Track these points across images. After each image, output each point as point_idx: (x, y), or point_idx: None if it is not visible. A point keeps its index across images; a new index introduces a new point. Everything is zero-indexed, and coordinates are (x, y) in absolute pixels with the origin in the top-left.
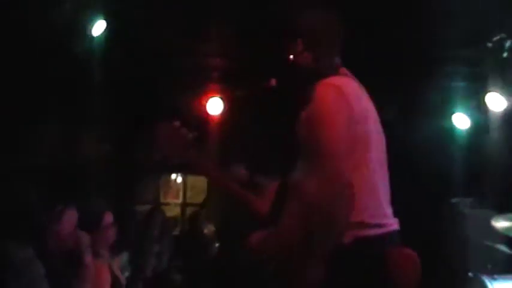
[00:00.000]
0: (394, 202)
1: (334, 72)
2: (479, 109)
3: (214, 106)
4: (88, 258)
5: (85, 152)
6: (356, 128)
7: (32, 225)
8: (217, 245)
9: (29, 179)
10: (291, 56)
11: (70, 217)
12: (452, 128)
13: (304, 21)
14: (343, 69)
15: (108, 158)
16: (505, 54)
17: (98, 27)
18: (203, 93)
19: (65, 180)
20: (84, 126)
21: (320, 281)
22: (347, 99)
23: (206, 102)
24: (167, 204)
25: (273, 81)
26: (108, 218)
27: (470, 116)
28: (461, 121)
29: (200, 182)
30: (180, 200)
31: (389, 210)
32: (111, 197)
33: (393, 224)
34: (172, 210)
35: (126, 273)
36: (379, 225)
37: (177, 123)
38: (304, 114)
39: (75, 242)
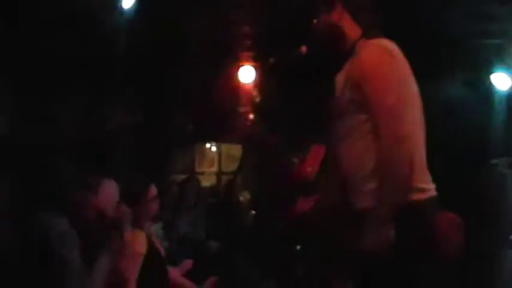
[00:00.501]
0: (434, 165)
1: (380, 32)
2: None
3: (246, 74)
4: (127, 231)
5: (119, 124)
6: (410, 89)
7: (67, 197)
8: (253, 212)
9: (66, 153)
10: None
11: (109, 189)
12: (491, 87)
13: None
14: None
15: (143, 129)
16: None
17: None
18: (235, 62)
19: (100, 153)
20: (117, 98)
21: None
22: (399, 61)
23: (238, 70)
24: (202, 173)
25: (304, 49)
26: (153, 191)
27: (510, 75)
28: (500, 80)
29: (234, 150)
30: (215, 169)
31: (429, 175)
32: (147, 167)
33: (432, 189)
34: (208, 179)
35: (165, 243)
36: (423, 190)
37: None
38: (347, 74)
39: (115, 213)
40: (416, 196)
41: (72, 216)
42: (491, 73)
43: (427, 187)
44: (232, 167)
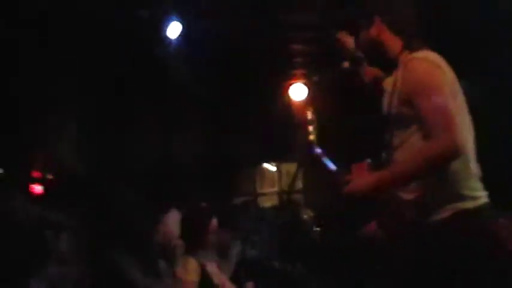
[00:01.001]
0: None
1: (422, 44)
2: None
3: (298, 92)
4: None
5: (181, 154)
6: (457, 98)
7: (132, 231)
8: (317, 229)
9: (133, 184)
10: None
11: (173, 219)
12: None
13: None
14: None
15: (203, 158)
16: None
17: (175, 30)
18: (287, 80)
19: (166, 182)
20: (178, 129)
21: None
22: (444, 73)
23: (289, 88)
24: (264, 194)
25: (346, 64)
26: (214, 225)
27: None
28: None
29: (291, 168)
30: (276, 188)
31: (480, 184)
32: (209, 193)
33: (484, 196)
34: (271, 200)
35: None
36: (475, 198)
37: None
38: (393, 88)
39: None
40: (471, 203)
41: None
42: None
43: (480, 194)
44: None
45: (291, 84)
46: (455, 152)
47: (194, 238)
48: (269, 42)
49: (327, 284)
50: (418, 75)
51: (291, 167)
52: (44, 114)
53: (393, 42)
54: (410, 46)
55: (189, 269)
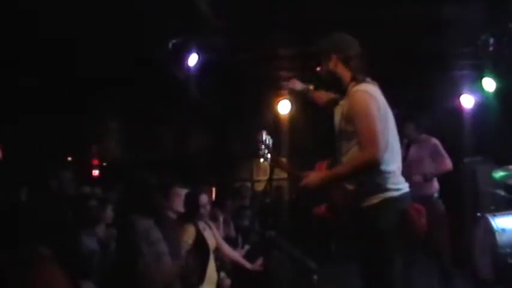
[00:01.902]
0: None
1: (363, 78)
2: (479, 90)
3: (284, 107)
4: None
5: (194, 146)
6: (382, 121)
7: (152, 203)
8: (297, 207)
9: (153, 169)
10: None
11: (179, 196)
12: (461, 106)
13: (338, 40)
14: (367, 78)
15: (214, 153)
16: (490, 49)
17: (193, 59)
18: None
19: (180, 168)
20: (191, 128)
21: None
22: (376, 102)
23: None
24: (259, 180)
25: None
26: (203, 199)
27: (474, 96)
28: (467, 100)
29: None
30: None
31: (402, 178)
32: (215, 177)
33: (406, 187)
34: (263, 185)
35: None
36: (397, 189)
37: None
38: (344, 111)
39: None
40: (394, 193)
41: (155, 216)
42: (460, 95)
43: (401, 187)
44: (281, 174)
45: (279, 101)
46: (374, 162)
47: (191, 210)
48: (263, 69)
49: (297, 246)
50: (357, 104)
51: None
52: (99, 118)
53: (345, 74)
54: (356, 79)
55: (186, 233)
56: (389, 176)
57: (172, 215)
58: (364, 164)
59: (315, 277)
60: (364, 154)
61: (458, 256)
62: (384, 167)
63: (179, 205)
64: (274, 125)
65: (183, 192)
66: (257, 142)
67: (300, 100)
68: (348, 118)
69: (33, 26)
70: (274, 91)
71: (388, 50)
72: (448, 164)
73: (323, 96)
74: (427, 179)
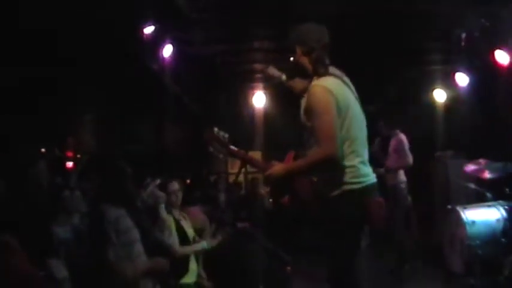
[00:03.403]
0: None
1: (325, 71)
2: (452, 85)
3: (259, 99)
4: (163, 212)
5: (169, 139)
6: (341, 115)
7: (124, 192)
8: (270, 200)
9: (128, 160)
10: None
11: (157, 185)
12: (434, 100)
13: (301, 32)
14: (332, 68)
15: (188, 143)
16: (463, 44)
17: (168, 50)
18: (251, 91)
19: (154, 160)
20: (166, 120)
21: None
22: (334, 96)
23: (252, 97)
24: (233, 173)
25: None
26: (172, 186)
27: (446, 90)
28: (440, 95)
29: (257, 156)
30: (243, 170)
31: (367, 169)
32: (191, 170)
33: (370, 179)
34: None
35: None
36: (358, 182)
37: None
38: (304, 106)
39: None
40: (355, 186)
41: (128, 205)
42: (433, 90)
43: (363, 180)
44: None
45: (253, 93)
46: (330, 159)
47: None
48: (238, 62)
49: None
50: (313, 99)
51: (255, 154)
52: (74, 110)
53: (309, 67)
54: (317, 72)
55: (167, 222)
56: (351, 170)
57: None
58: (320, 160)
59: (289, 268)
60: (319, 151)
61: (428, 248)
62: (344, 162)
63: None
64: (249, 117)
65: (155, 183)
66: (209, 140)
67: (277, 88)
68: (307, 113)
69: (13, 17)
70: (249, 83)
71: (363, 45)
72: (408, 160)
73: (299, 84)
74: (388, 171)
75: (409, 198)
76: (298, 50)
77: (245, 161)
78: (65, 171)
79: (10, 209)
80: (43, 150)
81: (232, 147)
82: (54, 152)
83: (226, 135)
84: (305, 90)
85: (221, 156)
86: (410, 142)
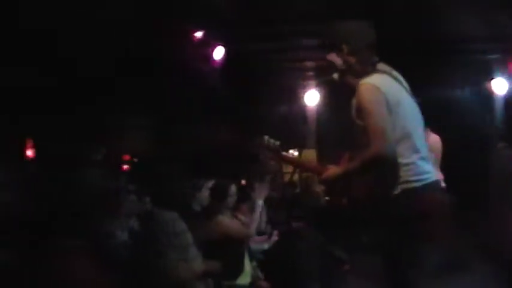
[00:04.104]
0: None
1: (373, 69)
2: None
3: (311, 98)
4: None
5: (215, 142)
6: (393, 112)
7: (177, 195)
8: (326, 198)
9: (180, 162)
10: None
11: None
12: (493, 92)
13: (345, 30)
14: (380, 64)
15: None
16: None
17: (219, 52)
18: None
19: (206, 161)
20: (217, 121)
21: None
22: (383, 94)
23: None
24: (287, 172)
25: (335, 75)
26: (232, 190)
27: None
28: (500, 85)
29: (310, 153)
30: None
31: (428, 166)
32: (245, 170)
33: (431, 177)
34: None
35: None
36: (418, 180)
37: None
38: (354, 105)
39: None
40: (415, 184)
41: (181, 208)
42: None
43: (423, 177)
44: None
45: (305, 91)
46: (382, 158)
47: (218, 201)
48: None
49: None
50: (362, 98)
51: (309, 152)
52: (129, 118)
53: (354, 66)
54: (364, 71)
55: (216, 224)
56: (409, 168)
57: (197, 208)
58: (372, 160)
59: (346, 267)
60: (371, 150)
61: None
62: (400, 160)
63: (205, 197)
64: (301, 115)
65: (209, 184)
66: (259, 148)
67: (330, 84)
68: (357, 113)
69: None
70: (301, 82)
71: (409, 38)
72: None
73: (352, 82)
74: None
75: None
76: (344, 49)
77: (299, 167)
78: (122, 174)
79: (66, 213)
80: (101, 152)
81: (284, 154)
82: (110, 154)
83: (278, 143)
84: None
85: (272, 163)
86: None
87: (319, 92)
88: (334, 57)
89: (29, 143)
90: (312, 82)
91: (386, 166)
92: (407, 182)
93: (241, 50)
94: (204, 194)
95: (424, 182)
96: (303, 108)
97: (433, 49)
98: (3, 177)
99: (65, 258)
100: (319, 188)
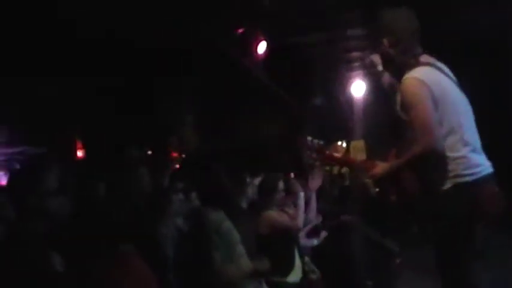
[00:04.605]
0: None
1: (416, 62)
2: None
3: (358, 89)
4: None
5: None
6: (439, 105)
7: (224, 194)
8: (376, 190)
9: (227, 158)
10: (382, 50)
11: (252, 184)
12: None
13: (386, 20)
14: (424, 56)
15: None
16: None
17: (262, 46)
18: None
19: (254, 156)
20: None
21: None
22: (427, 87)
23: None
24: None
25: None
26: (280, 185)
27: None
28: None
29: (359, 144)
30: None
31: (480, 158)
32: (292, 163)
33: (484, 169)
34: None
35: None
36: (471, 174)
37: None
38: (399, 100)
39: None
40: (468, 178)
41: (228, 207)
42: None
43: (476, 171)
44: (358, 156)
45: (352, 82)
46: (430, 152)
47: (266, 197)
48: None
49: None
50: (406, 92)
51: (357, 143)
52: (176, 112)
53: (397, 59)
54: (407, 64)
55: (264, 220)
56: (460, 162)
57: (245, 204)
58: (421, 154)
59: (397, 260)
60: (418, 145)
61: None
62: (449, 153)
63: (252, 193)
64: (348, 106)
65: (256, 180)
66: (302, 150)
67: (377, 76)
68: (402, 107)
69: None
70: (347, 72)
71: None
72: None
73: (389, 79)
74: None
75: None
76: (385, 41)
77: (345, 165)
78: (171, 173)
79: (111, 218)
80: (149, 152)
81: (328, 153)
82: (159, 153)
83: (321, 142)
84: (392, 85)
85: (317, 163)
86: None
87: (366, 83)
88: (376, 58)
89: (79, 144)
90: (359, 73)
91: (435, 160)
92: (458, 176)
93: (285, 43)
94: (252, 190)
95: (476, 176)
96: (350, 99)
97: None
98: (60, 180)
99: (119, 263)
100: (369, 180)
